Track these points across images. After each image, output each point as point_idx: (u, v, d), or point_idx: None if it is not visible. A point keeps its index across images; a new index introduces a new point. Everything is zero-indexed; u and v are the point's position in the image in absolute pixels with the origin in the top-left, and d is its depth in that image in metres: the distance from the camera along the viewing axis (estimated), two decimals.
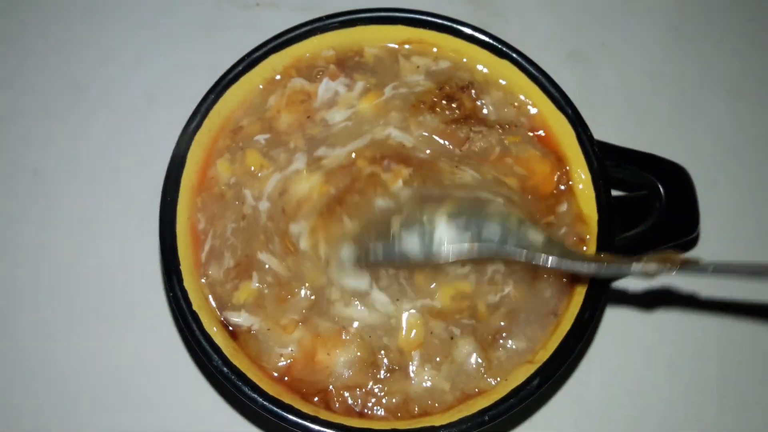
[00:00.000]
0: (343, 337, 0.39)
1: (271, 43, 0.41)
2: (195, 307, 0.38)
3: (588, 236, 0.40)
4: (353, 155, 0.41)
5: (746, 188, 0.53)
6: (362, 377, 0.38)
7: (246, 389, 0.37)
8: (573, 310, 0.39)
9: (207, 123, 0.40)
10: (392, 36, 0.43)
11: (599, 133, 0.42)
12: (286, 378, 0.38)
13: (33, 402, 0.45)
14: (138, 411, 0.45)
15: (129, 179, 0.51)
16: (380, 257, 0.38)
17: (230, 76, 0.40)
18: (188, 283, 0.38)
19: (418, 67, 0.43)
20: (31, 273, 0.48)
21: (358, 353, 0.38)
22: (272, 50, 0.41)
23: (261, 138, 0.42)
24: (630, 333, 0.48)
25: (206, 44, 0.55)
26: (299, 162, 0.41)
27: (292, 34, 0.41)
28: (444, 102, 0.42)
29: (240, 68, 0.41)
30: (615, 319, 0.48)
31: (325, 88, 0.42)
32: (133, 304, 0.47)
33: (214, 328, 0.38)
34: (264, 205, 0.41)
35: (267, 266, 0.39)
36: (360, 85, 0.42)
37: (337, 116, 0.42)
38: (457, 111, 0.42)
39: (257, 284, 0.39)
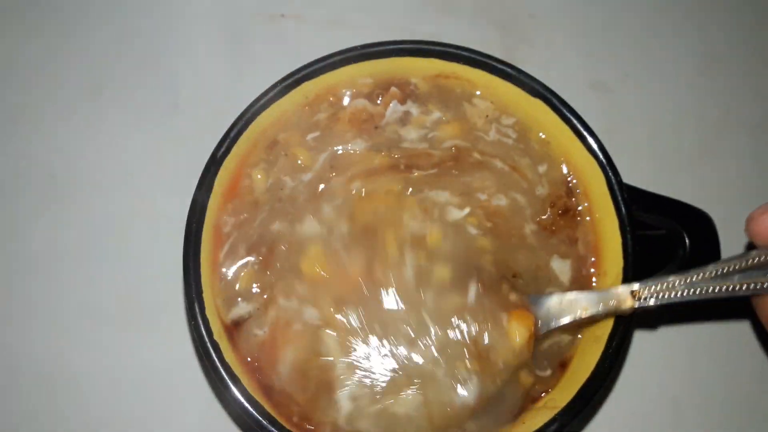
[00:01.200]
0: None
1: (305, 70, 0.40)
2: (216, 337, 0.38)
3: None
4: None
5: None
6: None
7: (265, 423, 0.37)
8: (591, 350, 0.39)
9: (235, 149, 0.40)
10: (426, 68, 0.42)
11: (618, 166, 0.42)
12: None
13: (45, 409, 0.45)
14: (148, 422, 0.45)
15: (147, 188, 0.50)
16: None
17: (263, 101, 0.40)
18: (209, 311, 0.38)
19: (487, 116, 0.43)
20: (44, 279, 0.48)
21: None
22: (306, 77, 0.41)
23: (310, 137, 0.42)
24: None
25: (231, 54, 0.54)
26: (358, 146, 0.41)
27: (327, 62, 0.41)
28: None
29: (272, 94, 0.40)
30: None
31: (393, 109, 0.42)
32: (150, 316, 0.47)
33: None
34: (307, 176, 0.41)
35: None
36: (437, 115, 0.43)
37: (412, 133, 0.42)
38: None
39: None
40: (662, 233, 0.44)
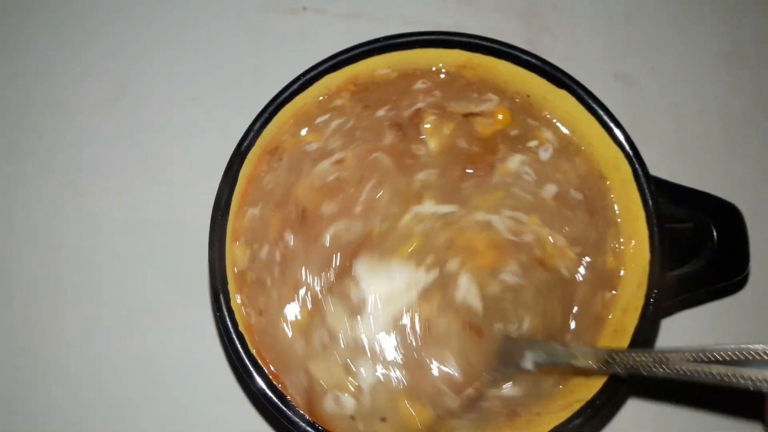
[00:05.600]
0: None
1: (327, 63, 0.40)
2: (241, 328, 0.38)
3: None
4: None
5: None
6: None
7: (289, 413, 0.37)
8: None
9: (259, 141, 0.40)
10: (450, 59, 0.42)
11: (644, 158, 0.41)
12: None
13: (64, 404, 0.46)
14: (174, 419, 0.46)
15: (171, 181, 0.50)
16: None
17: (285, 95, 0.40)
18: (234, 303, 0.38)
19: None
20: (69, 273, 0.48)
21: None
22: (327, 70, 0.40)
23: (319, 120, 0.42)
24: None
25: (252, 47, 0.54)
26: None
27: (349, 55, 0.40)
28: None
29: (294, 87, 0.40)
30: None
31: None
32: (175, 309, 0.48)
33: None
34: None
35: None
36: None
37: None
38: None
39: None
40: (690, 226, 0.44)
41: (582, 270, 0.41)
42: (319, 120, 0.42)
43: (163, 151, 0.51)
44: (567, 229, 0.41)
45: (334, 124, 0.42)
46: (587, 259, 0.41)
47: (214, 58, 0.54)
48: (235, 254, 0.40)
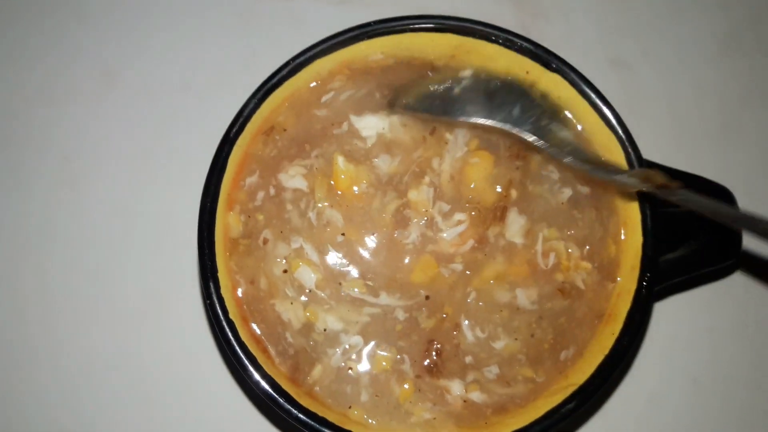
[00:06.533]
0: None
1: (318, 47, 0.40)
2: (231, 316, 0.38)
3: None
4: None
5: None
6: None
7: (281, 401, 0.37)
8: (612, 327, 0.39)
9: (249, 127, 0.39)
10: (442, 43, 0.42)
11: (638, 143, 0.41)
12: (317, 389, 0.38)
13: (54, 398, 0.46)
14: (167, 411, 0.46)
15: (161, 168, 0.50)
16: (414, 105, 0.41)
17: (274, 80, 0.40)
18: (225, 289, 0.38)
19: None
20: (59, 261, 0.48)
21: None
22: (318, 54, 0.40)
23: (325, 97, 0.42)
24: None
25: (243, 33, 0.54)
26: None
27: (340, 39, 0.40)
28: None
29: (284, 72, 0.40)
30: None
31: None
32: (165, 298, 0.47)
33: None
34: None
35: None
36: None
37: None
38: None
39: None
40: (683, 211, 0.44)
41: (595, 275, 0.40)
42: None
43: (155, 138, 0.51)
44: (573, 231, 0.41)
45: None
46: (596, 262, 0.41)
47: (204, 44, 0.53)
48: (228, 222, 0.40)
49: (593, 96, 0.40)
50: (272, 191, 0.40)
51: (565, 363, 0.39)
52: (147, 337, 0.47)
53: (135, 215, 0.49)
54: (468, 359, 0.39)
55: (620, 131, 0.40)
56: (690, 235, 0.42)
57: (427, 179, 0.40)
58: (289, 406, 0.36)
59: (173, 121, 0.51)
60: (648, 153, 0.42)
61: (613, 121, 0.40)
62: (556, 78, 0.41)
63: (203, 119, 0.51)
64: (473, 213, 0.40)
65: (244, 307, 0.39)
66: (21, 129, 0.51)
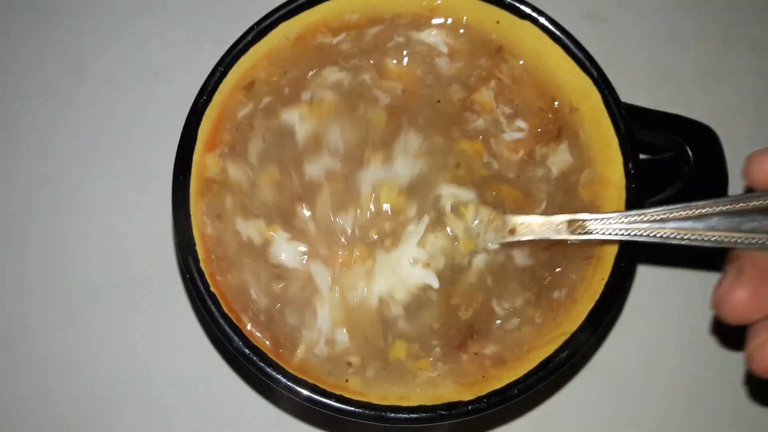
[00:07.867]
0: None
1: (280, 11, 0.39)
2: (212, 288, 0.37)
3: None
4: None
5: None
6: None
7: (270, 371, 0.36)
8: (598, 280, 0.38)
9: (216, 96, 0.39)
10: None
11: (621, 96, 0.40)
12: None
13: (42, 392, 0.45)
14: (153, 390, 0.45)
15: (136, 158, 0.49)
16: None
17: (239, 47, 0.39)
18: (204, 263, 0.37)
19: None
20: (37, 259, 0.47)
21: None
22: (281, 18, 0.39)
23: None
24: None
25: (211, 14, 0.53)
26: None
27: (301, 2, 0.39)
28: None
29: (249, 38, 0.39)
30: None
31: None
32: (147, 284, 0.47)
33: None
34: None
35: None
36: None
37: None
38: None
39: None
40: (668, 156, 0.43)
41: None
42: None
43: (127, 128, 0.50)
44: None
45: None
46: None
47: (173, 29, 0.52)
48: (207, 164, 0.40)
49: (565, 39, 0.39)
50: None
51: (558, 305, 0.38)
52: (136, 329, 0.46)
53: (111, 207, 0.48)
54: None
55: (596, 74, 0.39)
56: (675, 178, 0.41)
57: None
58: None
59: (146, 109, 0.50)
60: (629, 99, 0.41)
61: (587, 63, 0.39)
62: (526, 25, 0.40)
63: (177, 105, 0.50)
64: None
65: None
66: None
